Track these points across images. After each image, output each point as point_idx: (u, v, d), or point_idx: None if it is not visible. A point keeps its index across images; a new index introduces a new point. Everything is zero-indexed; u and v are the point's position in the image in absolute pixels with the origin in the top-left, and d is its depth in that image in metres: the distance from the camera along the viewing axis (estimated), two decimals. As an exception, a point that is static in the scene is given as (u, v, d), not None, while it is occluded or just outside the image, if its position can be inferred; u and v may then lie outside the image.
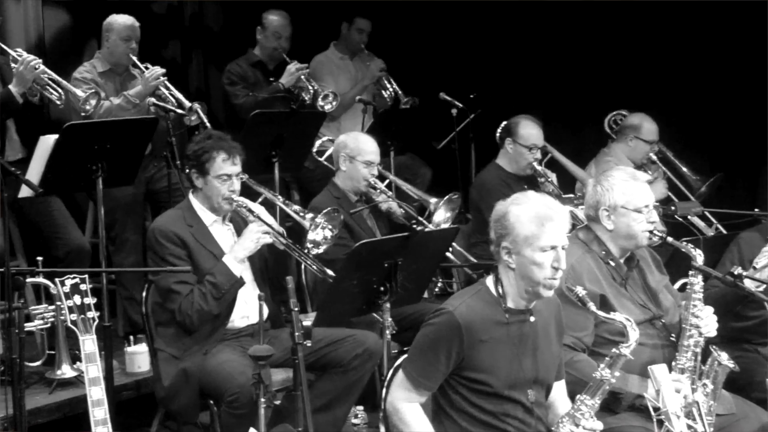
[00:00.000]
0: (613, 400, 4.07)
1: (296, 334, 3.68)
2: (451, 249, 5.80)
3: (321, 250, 5.03)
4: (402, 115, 7.40)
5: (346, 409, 4.95)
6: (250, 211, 4.88)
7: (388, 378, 3.96)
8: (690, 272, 4.31)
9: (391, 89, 7.62)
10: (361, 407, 5.11)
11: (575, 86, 8.06)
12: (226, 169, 4.84)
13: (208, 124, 5.98)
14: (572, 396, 3.92)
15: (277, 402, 4.78)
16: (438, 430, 3.81)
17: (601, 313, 3.91)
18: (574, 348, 4.15)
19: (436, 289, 6.73)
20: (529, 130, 6.63)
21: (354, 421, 5.09)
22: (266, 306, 4.22)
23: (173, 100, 6.09)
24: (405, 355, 3.93)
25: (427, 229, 5.71)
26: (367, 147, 5.94)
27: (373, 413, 4.31)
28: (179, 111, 6.01)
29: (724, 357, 4.22)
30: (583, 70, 8.04)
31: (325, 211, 5.12)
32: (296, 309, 3.70)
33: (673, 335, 4.33)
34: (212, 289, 4.71)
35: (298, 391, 3.70)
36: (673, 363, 4.22)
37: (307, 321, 3.95)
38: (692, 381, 4.19)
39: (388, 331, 4.55)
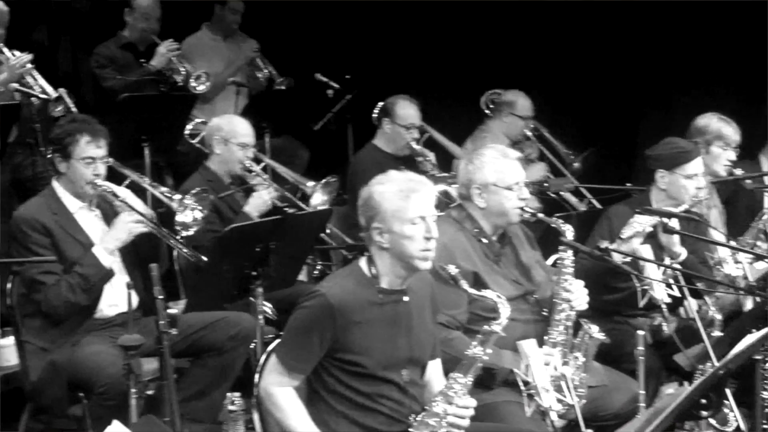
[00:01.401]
0: (488, 376, 4.08)
1: (161, 322, 3.60)
2: (328, 231, 5.76)
3: (191, 232, 4.94)
4: (277, 96, 7.34)
5: (221, 394, 4.86)
6: (115, 195, 4.76)
7: (261, 363, 3.90)
8: (560, 247, 4.36)
9: (265, 70, 7.54)
10: (237, 394, 5.03)
11: (452, 66, 8.09)
12: (90, 152, 4.71)
13: (74, 110, 5.81)
14: (448, 374, 3.92)
15: (150, 392, 4.69)
16: (313, 413, 3.76)
17: (472, 291, 3.90)
18: (448, 326, 4.15)
19: (315, 272, 6.67)
20: (407, 110, 6.66)
21: (230, 407, 5.01)
22: (136, 294, 4.13)
23: (39, 87, 5.91)
24: (279, 340, 3.88)
25: (300, 212, 5.65)
26: (242, 129, 5.87)
27: (249, 400, 4.26)
28: (43, 96, 5.83)
29: (594, 330, 4.27)
30: (460, 49, 8.08)
31: (193, 191, 5.04)
32: (161, 297, 3.62)
33: (545, 310, 4.36)
34: (80, 280, 4.59)
35: (165, 381, 3.61)
36: (546, 337, 4.26)
37: (177, 308, 3.87)
38: (564, 354, 4.23)
39: (261, 317, 4.49)
